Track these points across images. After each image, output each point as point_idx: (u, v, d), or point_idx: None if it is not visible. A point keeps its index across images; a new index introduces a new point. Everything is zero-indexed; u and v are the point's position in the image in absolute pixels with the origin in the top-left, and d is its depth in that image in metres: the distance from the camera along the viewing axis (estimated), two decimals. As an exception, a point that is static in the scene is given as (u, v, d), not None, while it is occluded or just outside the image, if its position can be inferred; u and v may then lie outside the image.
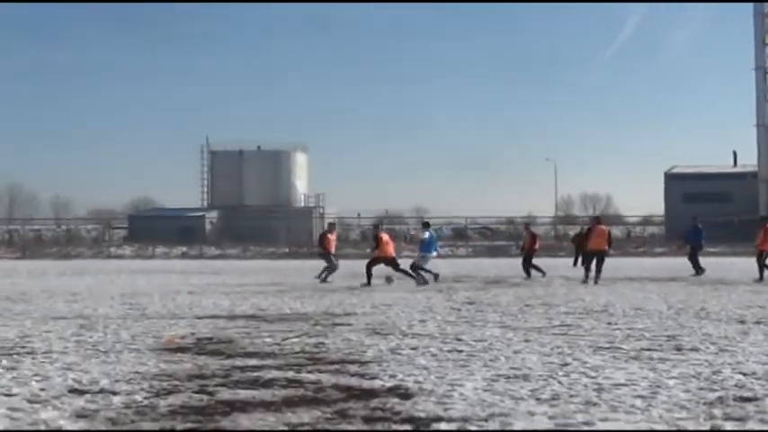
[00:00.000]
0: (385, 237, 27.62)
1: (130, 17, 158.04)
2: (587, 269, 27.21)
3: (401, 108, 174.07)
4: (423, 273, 26.63)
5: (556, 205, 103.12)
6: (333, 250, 29.84)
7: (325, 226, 37.78)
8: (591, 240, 27.77)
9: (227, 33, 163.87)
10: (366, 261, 27.42)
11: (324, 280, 27.65)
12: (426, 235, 28.16)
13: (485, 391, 8.00)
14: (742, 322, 14.38)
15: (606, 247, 27.64)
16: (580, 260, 40.52)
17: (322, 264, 29.43)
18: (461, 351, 10.68)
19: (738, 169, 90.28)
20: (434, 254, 28.35)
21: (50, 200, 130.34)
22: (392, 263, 26.88)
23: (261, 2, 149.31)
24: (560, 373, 8.90)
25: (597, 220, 30.93)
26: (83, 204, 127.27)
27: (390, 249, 27.30)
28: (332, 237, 30.44)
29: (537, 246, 31.58)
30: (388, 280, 26.31)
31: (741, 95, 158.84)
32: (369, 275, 25.87)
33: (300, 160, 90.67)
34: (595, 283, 25.93)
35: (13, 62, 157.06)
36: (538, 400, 7.57)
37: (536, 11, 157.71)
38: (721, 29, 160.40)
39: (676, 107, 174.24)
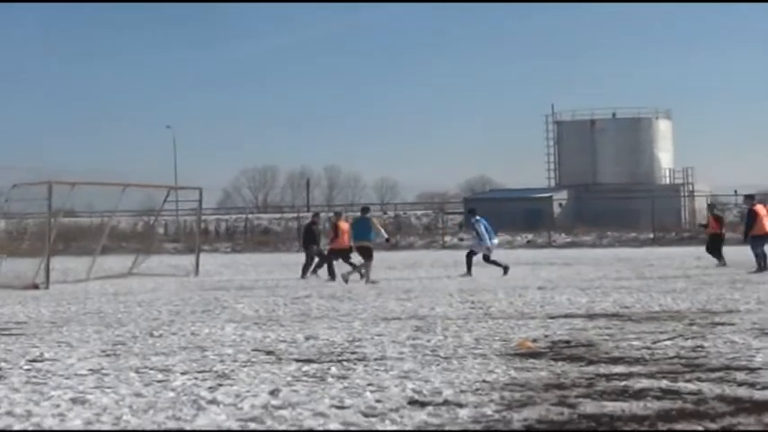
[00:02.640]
0: (344, 226, 29.80)
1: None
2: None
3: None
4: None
5: None
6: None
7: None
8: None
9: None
10: None
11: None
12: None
13: None
14: None
15: None
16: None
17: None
18: None
19: None
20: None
21: (374, 183, 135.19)
22: (344, 255, 29.44)
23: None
24: None
25: (752, 198, 30.22)
26: (411, 187, 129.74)
27: (346, 240, 29.26)
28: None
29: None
30: (345, 279, 27.13)
31: None
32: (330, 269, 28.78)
33: (664, 128, 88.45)
34: None
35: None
36: None
37: None
38: None
39: None
